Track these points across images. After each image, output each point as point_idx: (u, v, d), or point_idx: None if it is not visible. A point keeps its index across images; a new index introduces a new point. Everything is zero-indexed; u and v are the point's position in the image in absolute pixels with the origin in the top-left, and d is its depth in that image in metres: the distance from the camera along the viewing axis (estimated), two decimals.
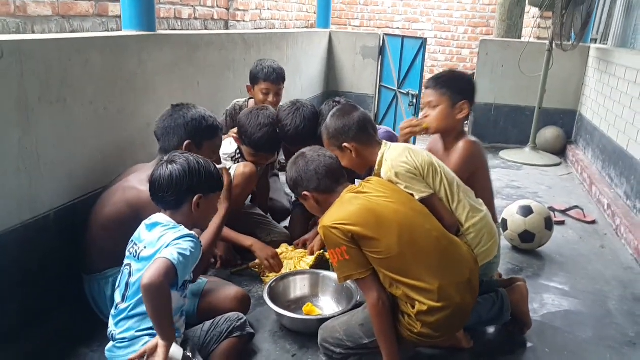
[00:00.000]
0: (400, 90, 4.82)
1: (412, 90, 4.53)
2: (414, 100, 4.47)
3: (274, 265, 2.10)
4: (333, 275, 1.99)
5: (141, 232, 1.49)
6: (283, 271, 2.11)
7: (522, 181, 3.90)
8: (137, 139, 2.22)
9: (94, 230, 1.73)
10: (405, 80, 4.76)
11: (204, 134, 1.80)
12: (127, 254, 1.49)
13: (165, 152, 1.75)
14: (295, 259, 2.20)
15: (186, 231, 1.45)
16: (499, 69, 4.78)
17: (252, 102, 2.81)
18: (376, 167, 1.78)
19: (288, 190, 3.00)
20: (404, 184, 1.67)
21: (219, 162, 1.92)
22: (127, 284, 1.44)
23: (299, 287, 2.05)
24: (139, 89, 2.23)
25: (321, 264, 2.19)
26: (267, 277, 2.13)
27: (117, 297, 1.47)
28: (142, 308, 1.37)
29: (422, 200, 1.66)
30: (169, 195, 1.48)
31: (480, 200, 1.82)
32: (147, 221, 1.50)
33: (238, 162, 2.30)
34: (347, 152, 1.81)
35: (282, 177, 3.52)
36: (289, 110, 2.30)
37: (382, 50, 5.23)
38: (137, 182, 1.71)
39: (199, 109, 1.84)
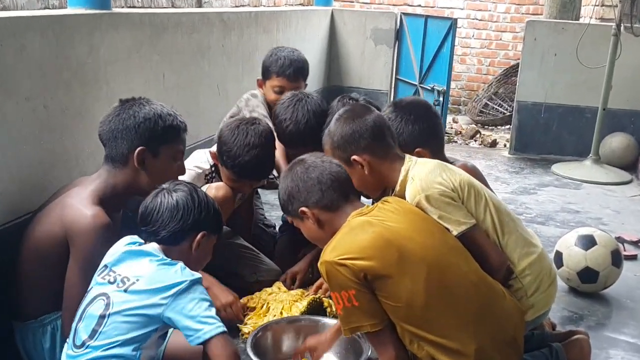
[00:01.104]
0: (423, 86, 4.87)
1: (438, 86, 4.59)
2: (441, 99, 4.52)
3: (230, 315, 2.09)
4: (336, 323, 1.97)
5: (120, 257, 1.55)
6: (270, 316, 2.14)
7: (581, 203, 3.93)
8: (87, 145, 2.24)
9: (26, 262, 1.74)
10: (429, 73, 4.83)
11: (160, 138, 1.82)
12: (99, 280, 1.53)
13: (112, 161, 1.82)
14: (285, 302, 2.22)
15: (190, 275, 1.51)
16: (550, 58, 4.85)
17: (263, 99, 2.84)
18: (397, 187, 1.79)
19: (270, 217, 3.04)
20: (437, 212, 1.67)
21: (183, 172, 1.95)
22: (102, 317, 1.47)
23: (292, 338, 2.05)
24: (89, 83, 2.26)
25: (316, 309, 2.21)
26: (245, 324, 2.14)
27: (81, 333, 1.48)
28: (125, 350, 1.44)
29: (462, 235, 1.67)
30: (169, 228, 1.57)
31: (532, 232, 1.84)
32: (126, 246, 1.57)
33: (211, 182, 2.31)
34: (356, 168, 1.82)
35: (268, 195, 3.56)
36: (288, 102, 2.34)
37: (399, 34, 5.30)
38: (77, 202, 1.72)
39: (154, 105, 1.85)
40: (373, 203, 1.78)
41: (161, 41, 2.76)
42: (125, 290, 1.48)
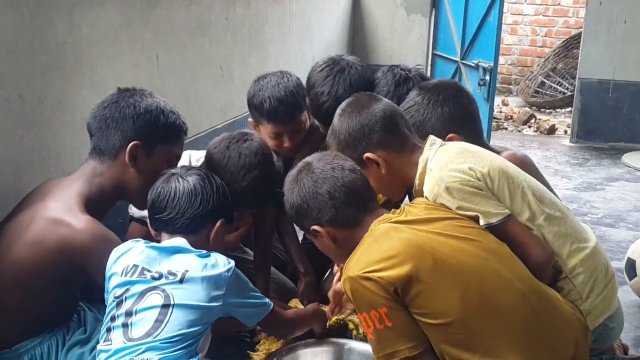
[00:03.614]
0: (466, 62, 4.84)
1: (484, 62, 4.54)
2: (487, 77, 4.49)
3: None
4: (364, 347, 2.01)
5: (151, 255, 1.68)
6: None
7: None
8: (69, 140, 2.24)
9: None
10: (472, 46, 4.79)
11: (159, 135, 1.88)
12: (135, 278, 1.65)
13: (100, 154, 1.84)
14: None
15: (228, 260, 1.69)
16: (619, 26, 4.80)
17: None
18: (416, 180, 1.80)
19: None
20: (456, 202, 1.68)
21: None
22: (165, 307, 1.60)
23: None
24: (69, 67, 2.25)
25: (339, 332, 2.20)
26: (259, 347, 2.15)
27: (139, 326, 1.60)
28: (187, 346, 1.61)
29: (494, 229, 1.67)
30: (188, 214, 1.71)
31: (584, 225, 1.83)
32: (147, 245, 1.70)
33: None
34: (371, 168, 1.84)
35: None
36: (327, 71, 2.32)
37: (436, 1, 5.29)
38: (63, 212, 1.72)
39: (158, 99, 1.91)
40: (397, 207, 1.77)
41: (153, 17, 2.75)
42: (180, 281, 1.62)
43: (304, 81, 2.49)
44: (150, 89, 2.00)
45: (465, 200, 1.68)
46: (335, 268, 2.35)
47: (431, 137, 1.86)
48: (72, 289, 1.88)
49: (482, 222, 1.68)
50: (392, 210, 1.73)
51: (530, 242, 1.69)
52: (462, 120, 2.04)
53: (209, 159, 2.14)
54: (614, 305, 1.78)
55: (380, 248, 1.58)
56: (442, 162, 1.74)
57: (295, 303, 2.36)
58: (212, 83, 3.31)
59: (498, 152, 2.00)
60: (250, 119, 2.59)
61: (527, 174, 1.81)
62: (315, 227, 1.71)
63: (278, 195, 2.34)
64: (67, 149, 2.25)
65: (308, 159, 1.81)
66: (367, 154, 1.83)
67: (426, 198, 1.75)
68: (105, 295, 1.71)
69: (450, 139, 1.96)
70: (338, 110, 1.94)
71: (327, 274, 2.54)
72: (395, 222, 1.65)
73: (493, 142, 2.21)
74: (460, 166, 1.71)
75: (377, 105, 1.88)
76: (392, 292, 1.51)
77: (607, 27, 4.81)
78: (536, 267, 1.66)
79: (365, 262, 1.55)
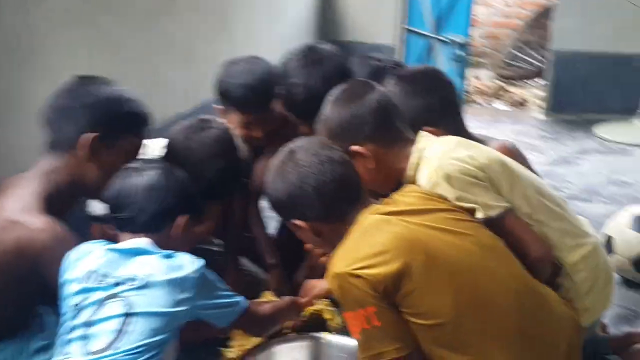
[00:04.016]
0: (439, 37, 4.80)
1: (458, 37, 4.55)
2: (461, 52, 4.48)
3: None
4: (343, 342, 1.99)
5: (111, 258, 1.60)
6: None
7: (631, 173, 3.88)
8: (21, 137, 2.18)
9: None
10: (445, 21, 4.77)
11: (120, 126, 1.82)
12: (92, 285, 1.57)
13: (55, 149, 1.78)
14: None
15: (196, 259, 1.62)
16: None
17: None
18: (409, 170, 1.75)
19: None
20: (456, 192, 1.63)
21: None
22: (127, 316, 1.53)
23: None
24: (23, 59, 2.20)
25: (315, 323, 2.17)
26: (230, 348, 2.10)
27: (98, 337, 1.52)
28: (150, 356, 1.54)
29: (492, 223, 1.62)
30: (148, 211, 1.64)
31: (584, 219, 1.81)
32: (107, 247, 1.62)
33: None
34: (358, 161, 1.76)
35: None
36: (303, 61, 2.25)
37: None
38: (20, 213, 1.67)
39: (116, 87, 1.85)
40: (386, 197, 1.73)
41: None
42: (143, 287, 1.55)
43: (276, 64, 2.41)
44: (110, 76, 1.92)
45: (464, 191, 1.63)
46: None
47: (422, 132, 1.82)
48: (31, 292, 1.79)
49: (480, 214, 1.63)
50: (381, 199, 1.68)
51: (529, 238, 1.65)
52: (440, 112, 1.98)
53: (169, 152, 2.05)
54: (610, 303, 1.77)
55: (370, 242, 1.52)
56: (441, 150, 1.70)
57: (267, 296, 2.30)
58: (176, 67, 3.24)
59: (484, 143, 1.95)
60: (217, 105, 2.48)
61: (522, 166, 1.78)
62: (298, 222, 1.66)
63: (245, 184, 2.30)
64: (21, 143, 2.18)
65: (292, 146, 1.72)
66: (356, 147, 1.76)
67: (419, 187, 1.71)
68: (60, 303, 1.64)
69: (427, 132, 1.89)
70: (330, 97, 1.87)
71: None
72: (386, 213, 1.59)
73: (468, 122, 2.13)
74: (459, 155, 1.67)
75: (371, 95, 1.81)
76: (381, 290, 1.47)
77: None
78: (534, 264, 1.63)
79: (353, 258, 1.50)
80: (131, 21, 2.82)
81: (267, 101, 2.35)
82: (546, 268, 1.67)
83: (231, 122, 2.38)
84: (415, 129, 1.87)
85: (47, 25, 2.30)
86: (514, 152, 1.97)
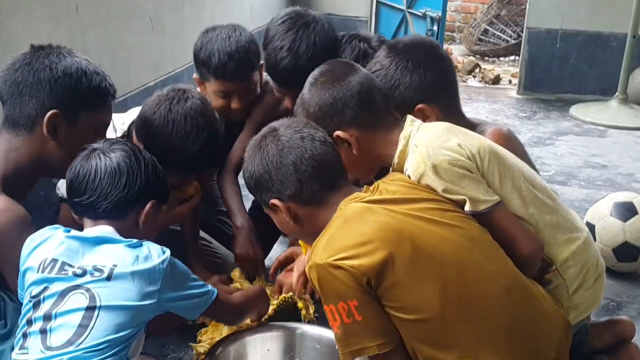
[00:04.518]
0: (412, 11, 4.74)
1: (431, 11, 4.49)
2: (435, 28, 4.43)
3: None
4: (319, 332, 1.95)
5: (72, 247, 1.54)
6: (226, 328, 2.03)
7: (608, 155, 3.89)
8: None
9: None
10: None
11: (82, 102, 1.75)
12: (54, 275, 1.51)
13: (14, 126, 1.73)
14: None
15: (163, 250, 1.56)
16: None
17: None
18: (395, 158, 1.70)
19: None
20: (444, 184, 1.57)
21: None
22: (89, 310, 1.46)
23: (259, 354, 1.97)
24: None
25: (287, 311, 2.11)
26: (202, 337, 2.05)
27: (59, 332, 1.46)
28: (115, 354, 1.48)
29: (481, 215, 1.57)
30: (111, 197, 1.56)
31: (574, 212, 1.76)
32: (66, 234, 1.56)
33: None
34: (342, 146, 1.72)
35: None
36: (289, 24, 2.18)
37: None
38: None
39: (77, 59, 1.77)
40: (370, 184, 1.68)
41: None
42: (108, 278, 1.48)
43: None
44: (69, 45, 1.86)
45: (452, 182, 1.56)
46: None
47: (410, 117, 1.75)
48: None
49: (468, 207, 1.56)
50: (365, 187, 1.62)
51: (519, 234, 1.60)
52: (435, 89, 1.90)
53: (148, 126, 2.00)
54: (600, 300, 1.75)
55: (353, 232, 1.48)
56: (429, 138, 1.62)
57: (236, 273, 2.26)
58: (141, 36, 3.16)
59: (477, 126, 1.90)
60: (195, 75, 2.44)
61: (515, 156, 1.71)
62: (274, 201, 1.61)
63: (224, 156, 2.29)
64: None
65: (275, 124, 1.68)
66: (338, 132, 1.71)
67: (409, 177, 1.64)
68: (20, 292, 1.59)
69: (421, 110, 1.84)
70: (310, 79, 1.80)
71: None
72: (369, 201, 1.54)
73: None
74: (448, 143, 1.60)
75: (353, 77, 1.74)
76: (364, 283, 1.43)
77: None
78: (524, 260, 1.58)
79: (335, 248, 1.46)
80: None
81: (248, 70, 2.31)
82: (535, 264, 1.63)
83: (209, 92, 2.37)
84: (409, 106, 1.82)
85: None
86: (508, 139, 1.90)
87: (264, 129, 1.69)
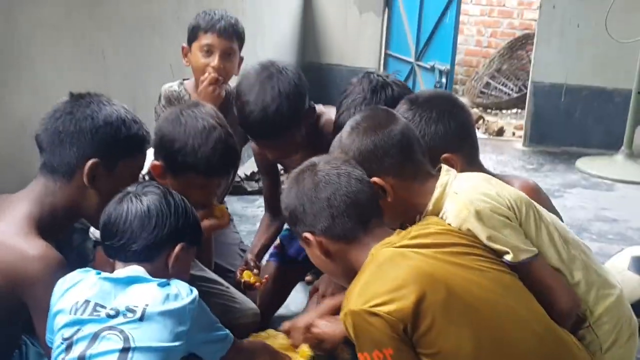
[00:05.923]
0: (421, 64, 4.83)
1: (440, 64, 4.57)
2: (444, 80, 4.48)
3: None
4: None
5: (105, 288, 1.54)
6: None
7: (617, 209, 3.89)
8: (5, 149, 2.16)
9: None
10: (428, 48, 4.79)
11: (120, 150, 1.77)
12: (86, 317, 1.51)
13: (52, 173, 1.73)
14: None
15: (191, 289, 1.58)
16: (571, 29, 4.81)
17: (189, 84, 2.75)
18: (430, 205, 1.69)
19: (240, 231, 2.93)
20: (487, 231, 1.56)
21: None
22: (124, 351, 1.45)
23: None
24: (6, 65, 2.17)
25: None
26: None
27: None
28: None
29: (518, 267, 1.57)
30: (141, 240, 1.58)
31: (607, 267, 1.78)
32: (99, 276, 1.57)
33: None
34: (377, 193, 1.71)
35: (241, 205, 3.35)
36: (255, 77, 2.16)
37: (389, 0, 5.25)
38: (13, 235, 1.61)
39: (117, 107, 1.79)
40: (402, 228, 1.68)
41: (99, 9, 2.68)
42: (141, 319, 1.49)
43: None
44: (96, 90, 1.87)
45: (495, 230, 1.56)
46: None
47: (445, 166, 1.77)
48: (15, 321, 1.73)
49: (510, 257, 1.56)
50: (397, 230, 1.63)
51: (558, 287, 1.59)
52: (459, 138, 1.91)
53: (162, 134, 2.00)
54: (633, 359, 1.71)
55: (386, 277, 1.47)
56: (469, 185, 1.64)
57: (271, 333, 2.15)
58: (161, 81, 3.11)
59: (504, 180, 1.89)
60: (183, 44, 2.61)
61: (546, 210, 1.71)
62: (307, 234, 1.62)
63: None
64: (4, 159, 2.15)
65: (315, 159, 1.70)
66: (375, 179, 1.69)
67: (439, 219, 1.65)
68: (49, 336, 1.58)
69: (447, 159, 1.84)
70: (351, 122, 1.79)
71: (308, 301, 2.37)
72: (400, 246, 1.54)
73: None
74: (488, 191, 1.61)
75: (395, 125, 1.74)
76: (401, 331, 1.42)
77: (560, 30, 4.82)
78: (561, 314, 1.57)
79: (370, 294, 1.45)
80: (117, 34, 2.80)
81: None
82: (572, 319, 1.62)
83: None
84: (434, 156, 1.82)
85: (31, 31, 2.26)
86: (538, 193, 1.92)
87: (305, 163, 1.71)
